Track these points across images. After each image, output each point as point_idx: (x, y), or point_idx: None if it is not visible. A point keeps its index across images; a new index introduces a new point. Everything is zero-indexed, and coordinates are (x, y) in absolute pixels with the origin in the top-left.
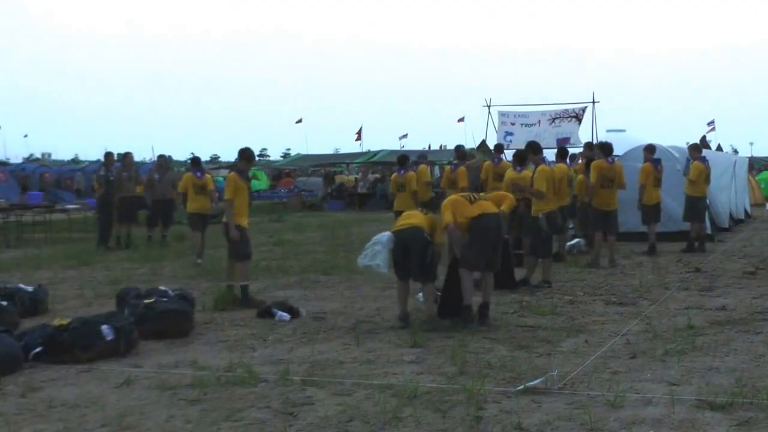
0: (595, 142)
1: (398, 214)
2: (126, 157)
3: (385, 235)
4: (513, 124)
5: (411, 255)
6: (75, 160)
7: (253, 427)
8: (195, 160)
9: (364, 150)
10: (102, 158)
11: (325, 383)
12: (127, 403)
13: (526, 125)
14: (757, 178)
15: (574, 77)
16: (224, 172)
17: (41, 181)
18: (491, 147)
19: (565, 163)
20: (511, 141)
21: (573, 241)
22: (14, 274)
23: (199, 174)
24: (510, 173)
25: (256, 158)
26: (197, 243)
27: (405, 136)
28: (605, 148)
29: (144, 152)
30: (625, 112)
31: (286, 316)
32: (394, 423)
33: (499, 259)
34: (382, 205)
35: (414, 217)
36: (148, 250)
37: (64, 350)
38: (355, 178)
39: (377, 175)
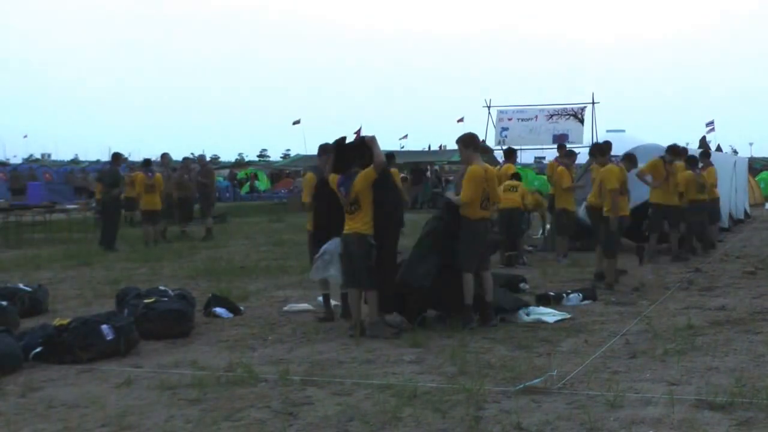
0: (594, 142)
1: None
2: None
3: (333, 243)
4: (510, 119)
5: (354, 261)
6: (75, 161)
7: (253, 426)
8: (146, 161)
9: None
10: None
11: (325, 383)
12: (127, 403)
13: (523, 120)
14: (756, 178)
15: (574, 77)
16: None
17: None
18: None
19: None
20: (506, 136)
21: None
22: (14, 274)
23: (150, 174)
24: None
25: (256, 159)
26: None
27: (405, 136)
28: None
29: (143, 152)
30: (624, 113)
31: (227, 313)
32: (393, 423)
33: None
34: None
35: (356, 220)
36: (148, 250)
37: (64, 350)
38: None
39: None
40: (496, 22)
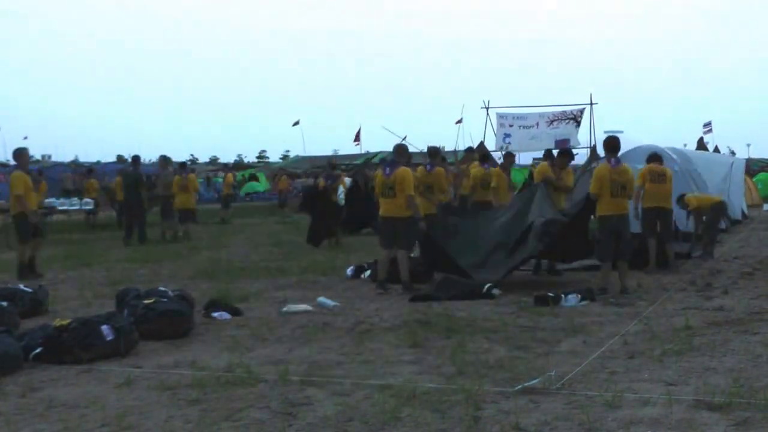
0: (593, 143)
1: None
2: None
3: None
4: (511, 126)
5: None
6: (75, 162)
7: (252, 427)
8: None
9: (362, 152)
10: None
11: (324, 383)
12: (127, 403)
13: (525, 127)
14: (754, 179)
15: (572, 79)
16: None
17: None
18: (489, 149)
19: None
20: (509, 143)
21: None
22: (14, 274)
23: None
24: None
25: (255, 159)
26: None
27: (404, 137)
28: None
29: (142, 153)
30: (623, 114)
31: (227, 316)
32: (392, 423)
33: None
34: None
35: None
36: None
37: (65, 350)
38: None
39: None
40: (495, 22)
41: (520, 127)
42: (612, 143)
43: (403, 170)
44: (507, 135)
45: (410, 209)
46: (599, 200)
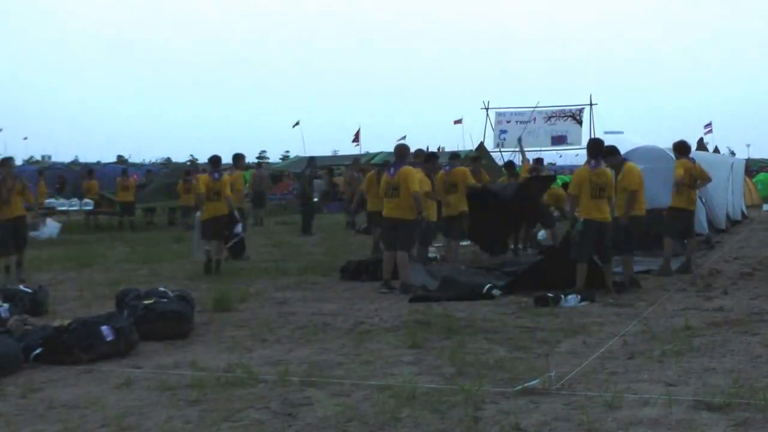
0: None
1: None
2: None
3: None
4: (508, 122)
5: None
6: (75, 162)
7: (252, 427)
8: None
9: (362, 152)
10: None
11: (324, 384)
12: (127, 404)
13: (521, 122)
14: (754, 179)
15: (572, 79)
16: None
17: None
18: (489, 148)
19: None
20: (504, 138)
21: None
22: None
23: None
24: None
25: (256, 160)
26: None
27: (403, 137)
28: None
29: (142, 154)
30: (622, 114)
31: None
32: (392, 423)
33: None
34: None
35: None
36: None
37: (65, 351)
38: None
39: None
40: (495, 23)
41: (517, 122)
42: (594, 146)
43: (407, 169)
44: (503, 131)
45: (415, 208)
46: (579, 202)
